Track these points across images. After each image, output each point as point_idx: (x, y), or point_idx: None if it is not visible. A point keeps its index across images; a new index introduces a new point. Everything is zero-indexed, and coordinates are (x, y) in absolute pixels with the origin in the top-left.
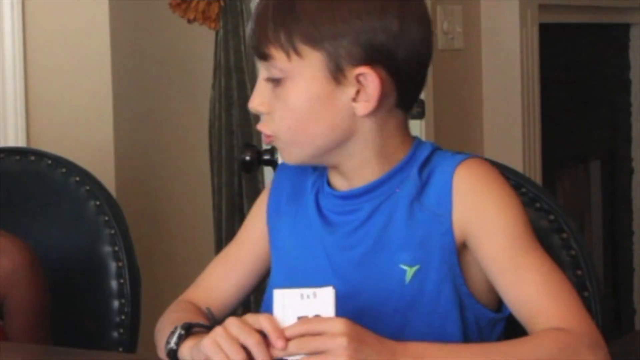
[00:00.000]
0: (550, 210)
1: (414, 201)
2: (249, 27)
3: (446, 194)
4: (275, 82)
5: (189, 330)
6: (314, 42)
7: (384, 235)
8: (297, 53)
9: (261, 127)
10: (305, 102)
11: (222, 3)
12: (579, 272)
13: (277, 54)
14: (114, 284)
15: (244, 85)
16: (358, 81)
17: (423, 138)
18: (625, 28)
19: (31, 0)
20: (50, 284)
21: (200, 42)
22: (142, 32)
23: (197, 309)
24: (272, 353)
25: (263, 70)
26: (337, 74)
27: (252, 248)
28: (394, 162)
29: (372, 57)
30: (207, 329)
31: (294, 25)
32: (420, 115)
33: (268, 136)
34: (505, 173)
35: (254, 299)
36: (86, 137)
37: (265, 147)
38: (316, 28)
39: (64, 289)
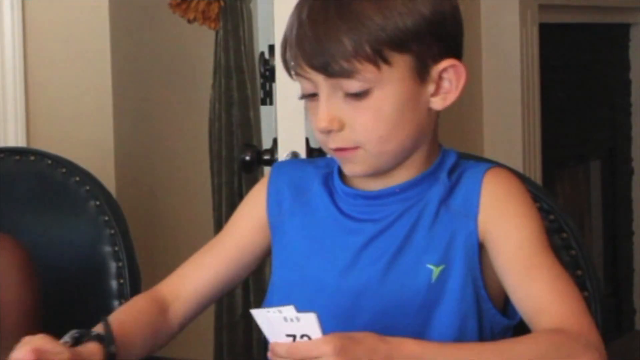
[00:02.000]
0: (550, 211)
1: (442, 203)
2: (304, 40)
3: (474, 197)
4: (359, 95)
5: (78, 342)
6: (401, 46)
7: (411, 236)
8: (386, 61)
9: (339, 143)
10: (396, 108)
11: (222, 3)
12: (579, 272)
13: (363, 67)
14: (114, 283)
15: (244, 85)
16: (440, 76)
17: None
18: (625, 28)
19: (31, 1)
20: (50, 284)
21: (200, 42)
22: (142, 32)
23: (143, 306)
24: None
25: (330, 87)
26: (422, 73)
27: (240, 239)
28: (428, 164)
29: (450, 49)
30: (98, 341)
31: (378, 34)
32: None
33: (350, 150)
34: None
35: (254, 299)
36: (86, 137)
37: (265, 146)
38: (400, 31)
39: (64, 288)
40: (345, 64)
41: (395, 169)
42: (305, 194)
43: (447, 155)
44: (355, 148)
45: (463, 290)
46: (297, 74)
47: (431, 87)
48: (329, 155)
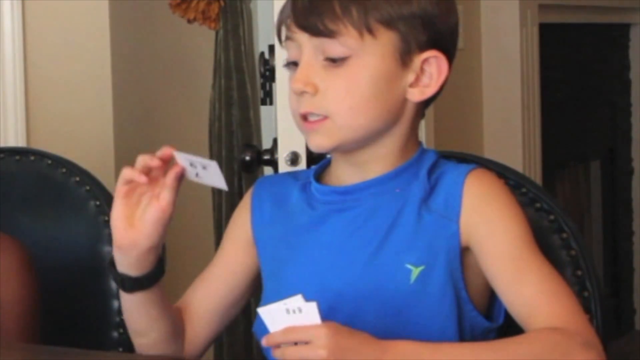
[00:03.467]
0: (550, 211)
1: (422, 203)
2: (298, 5)
3: (456, 199)
4: (337, 60)
5: None
6: (390, 21)
7: (391, 234)
8: (370, 32)
9: (308, 108)
10: (371, 82)
11: (222, 3)
12: (579, 272)
13: (347, 31)
14: (113, 284)
15: (244, 85)
16: (421, 66)
17: (423, 137)
18: (625, 28)
19: (31, 1)
20: (50, 283)
21: (200, 42)
22: (142, 32)
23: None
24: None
25: (313, 49)
26: (405, 57)
27: (229, 266)
28: (406, 158)
29: (438, 43)
30: None
31: (369, 2)
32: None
33: (317, 121)
34: (506, 173)
35: (253, 299)
36: (86, 137)
37: (265, 146)
38: (392, 7)
39: (64, 288)
40: (330, 24)
41: (368, 158)
42: (286, 204)
43: (425, 153)
44: (324, 119)
45: (443, 292)
46: (287, 38)
47: (411, 76)
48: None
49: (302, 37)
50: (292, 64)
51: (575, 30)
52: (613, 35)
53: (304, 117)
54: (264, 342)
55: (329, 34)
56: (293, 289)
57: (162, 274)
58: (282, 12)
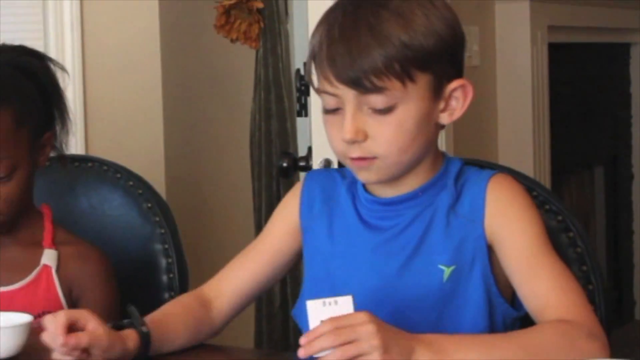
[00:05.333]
0: (559, 212)
1: (450, 209)
2: (336, 56)
3: (480, 203)
4: (384, 110)
5: (120, 328)
6: (425, 65)
7: (425, 240)
8: (411, 79)
9: (360, 153)
10: (415, 123)
11: (261, 24)
12: (584, 268)
13: (392, 85)
14: (164, 278)
15: (282, 98)
16: (450, 94)
17: (444, 146)
18: (626, 47)
19: (89, 25)
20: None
21: (242, 60)
22: (190, 51)
23: (188, 304)
24: (303, 352)
25: (357, 102)
26: (438, 91)
27: (274, 243)
28: (434, 172)
29: (459, 70)
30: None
31: (405, 52)
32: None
33: (368, 159)
34: (518, 178)
35: (291, 292)
36: (139, 146)
37: (300, 154)
38: (426, 50)
39: (120, 283)
40: (376, 81)
41: (405, 176)
42: (333, 200)
43: (451, 163)
44: (373, 158)
45: (473, 288)
46: (324, 90)
47: (442, 104)
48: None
49: (347, 93)
50: (332, 111)
51: (581, 49)
52: (615, 54)
53: (354, 159)
54: (304, 349)
55: (376, 90)
56: (336, 283)
57: (146, 345)
58: (314, 49)
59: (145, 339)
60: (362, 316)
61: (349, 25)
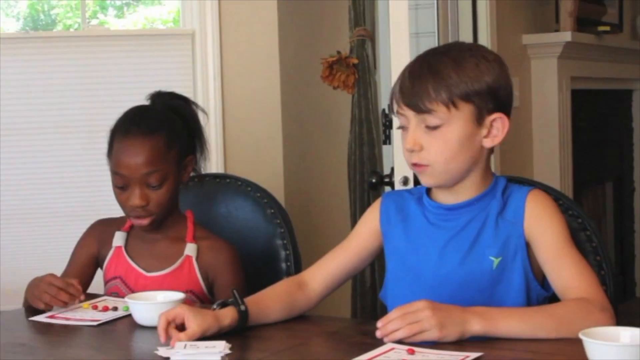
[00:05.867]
0: (579, 216)
1: (498, 215)
2: (404, 88)
3: (520, 211)
4: (433, 127)
5: (223, 306)
6: (467, 97)
7: (479, 237)
8: (455, 106)
9: (416, 160)
10: (458, 141)
11: (356, 76)
12: (598, 258)
13: (439, 108)
14: (283, 265)
15: (371, 131)
16: (491, 123)
17: (493, 165)
18: (629, 93)
19: (227, 76)
20: (243, 266)
21: (341, 102)
22: (303, 95)
23: (287, 285)
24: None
25: (416, 120)
26: (479, 119)
27: (360, 241)
28: (485, 186)
29: (500, 106)
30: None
31: (453, 87)
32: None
33: (422, 166)
34: (549, 191)
35: (378, 276)
36: (264, 167)
37: (385, 173)
38: (468, 86)
39: (251, 270)
40: (428, 104)
41: (460, 187)
42: (405, 210)
43: (499, 180)
44: (427, 165)
45: (516, 274)
46: (397, 112)
47: (484, 131)
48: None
49: (409, 112)
50: (403, 128)
51: (595, 94)
52: (621, 98)
53: (413, 164)
54: (380, 331)
55: (427, 111)
56: (412, 272)
57: (244, 320)
58: (393, 88)
59: (243, 315)
60: (421, 303)
61: (417, 67)
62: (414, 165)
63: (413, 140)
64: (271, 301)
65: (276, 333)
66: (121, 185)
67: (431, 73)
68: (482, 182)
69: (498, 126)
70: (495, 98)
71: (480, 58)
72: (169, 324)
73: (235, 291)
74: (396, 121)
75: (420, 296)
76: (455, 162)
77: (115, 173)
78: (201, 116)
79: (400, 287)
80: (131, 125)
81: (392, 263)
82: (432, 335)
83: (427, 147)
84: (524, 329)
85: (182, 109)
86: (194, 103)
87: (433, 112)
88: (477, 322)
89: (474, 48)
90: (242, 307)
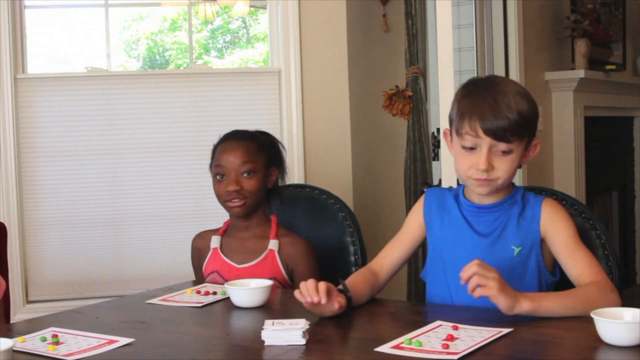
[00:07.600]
0: (590, 218)
1: (519, 215)
2: (485, 118)
3: (537, 213)
4: (505, 152)
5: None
6: (528, 131)
7: (503, 231)
8: (522, 137)
9: (487, 176)
10: (518, 161)
11: (411, 105)
12: (605, 252)
13: (516, 140)
14: (352, 258)
15: (423, 150)
16: (531, 147)
17: (522, 179)
18: (631, 119)
19: (307, 108)
20: (319, 260)
21: (399, 126)
22: (367, 122)
23: (365, 274)
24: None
25: (491, 145)
26: (528, 144)
27: (410, 235)
28: (508, 193)
29: (534, 133)
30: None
31: (529, 125)
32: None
33: (489, 180)
34: (566, 197)
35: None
36: (337, 178)
37: (434, 184)
38: (535, 124)
39: (324, 261)
40: (510, 137)
41: (498, 192)
42: (444, 205)
43: (518, 188)
44: (492, 180)
45: (531, 262)
46: (466, 133)
47: (524, 152)
48: (460, 183)
49: (487, 139)
50: (468, 148)
51: (604, 120)
52: (624, 123)
53: (478, 179)
54: (463, 274)
55: (508, 141)
56: (446, 258)
57: (350, 304)
58: (459, 112)
59: (350, 300)
60: (495, 270)
61: (490, 98)
62: (480, 180)
63: (488, 162)
64: (363, 287)
65: (347, 312)
66: (221, 174)
67: (509, 110)
68: (507, 189)
69: (533, 149)
70: (534, 128)
71: (530, 95)
72: (328, 290)
73: (343, 281)
74: (445, 149)
75: (455, 277)
76: (512, 178)
77: (216, 166)
78: (283, 147)
79: (438, 268)
80: (230, 135)
81: (431, 249)
82: (491, 292)
83: (497, 167)
84: (561, 309)
85: (267, 134)
86: (274, 138)
87: (511, 143)
88: (527, 303)
89: (519, 85)
90: (349, 294)
